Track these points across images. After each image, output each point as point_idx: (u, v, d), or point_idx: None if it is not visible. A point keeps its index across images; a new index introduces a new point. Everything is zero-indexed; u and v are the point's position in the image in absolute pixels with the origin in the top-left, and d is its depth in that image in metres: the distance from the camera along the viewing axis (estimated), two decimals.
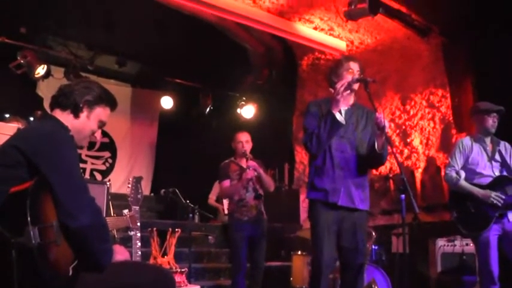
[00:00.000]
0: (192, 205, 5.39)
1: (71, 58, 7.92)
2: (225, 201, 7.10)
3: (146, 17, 7.20)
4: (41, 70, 7.26)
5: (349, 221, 3.39)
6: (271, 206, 5.42)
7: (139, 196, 3.20)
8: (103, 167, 9.21)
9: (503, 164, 4.27)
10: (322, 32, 6.74)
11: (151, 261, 4.17)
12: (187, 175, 8.66)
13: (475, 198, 4.10)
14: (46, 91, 7.88)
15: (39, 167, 1.97)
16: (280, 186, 7.74)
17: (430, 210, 6.12)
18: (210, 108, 8.83)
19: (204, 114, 8.91)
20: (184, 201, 5.32)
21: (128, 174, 8.99)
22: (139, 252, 3.07)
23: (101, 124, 2.42)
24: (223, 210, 7.36)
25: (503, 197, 4.01)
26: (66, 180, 2.00)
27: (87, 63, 8.12)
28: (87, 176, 8.66)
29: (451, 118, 6.28)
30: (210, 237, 6.94)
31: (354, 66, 3.46)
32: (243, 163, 4.98)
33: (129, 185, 3.20)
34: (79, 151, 2.49)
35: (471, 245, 4.80)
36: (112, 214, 4.10)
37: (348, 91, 3.37)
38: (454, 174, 4.23)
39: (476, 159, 4.25)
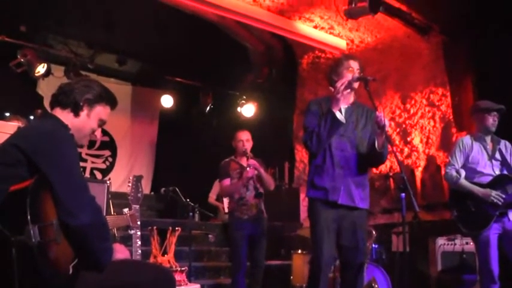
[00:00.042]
0: (192, 204, 5.39)
1: (71, 57, 7.93)
2: (225, 200, 7.10)
3: (146, 15, 7.20)
4: (41, 69, 7.27)
5: (349, 220, 3.39)
6: (271, 204, 5.42)
7: (139, 195, 3.19)
8: (103, 166, 9.22)
9: (504, 162, 4.27)
10: (323, 31, 6.74)
11: (152, 260, 4.17)
12: (188, 174, 8.67)
13: (475, 197, 4.10)
14: (46, 90, 7.89)
15: (39, 165, 1.97)
16: (281, 184, 7.74)
17: (430, 209, 6.12)
18: (210, 106, 8.83)
19: (204, 112, 8.91)
20: (184, 200, 5.32)
21: (128, 172, 9.00)
22: (140, 251, 3.07)
23: (101, 123, 2.42)
24: (224, 208, 7.36)
25: (504, 196, 4.01)
26: (66, 178, 2.00)
27: (88, 61, 8.13)
28: (87, 174, 8.66)
29: (451, 117, 6.28)
30: (210, 235, 6.94)
31: (354, 65, 3.46)
32: (244, 162, 4.98)
33: (129, 184, 3.20)
34: (79, 150, 2.50)
35: (471, 243, 4.80)
36: (112, 213, 4.10)
37: (348, 90, 3.38)
38: (454, 173, 4.23)
39: (477, 158, 4.25)
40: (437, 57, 6.43)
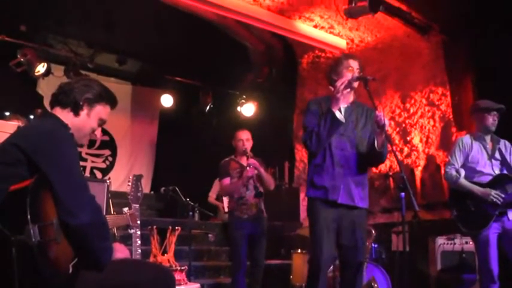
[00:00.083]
0: (192, 203, 5.40)
1: (71, 56, 7.93)
2: (225, 199, 7.11)
3: (146, 15, 7.20)
4: (41, 68, 7.27)
5: (348, 219, 3.39)
6: (271, 204, 5.42)
7: (139, 194, 3.20)
8: (103, 165, 9.22)
9: (503, 162, 4.27)
10: (323, 30, 6.74)
11: (151, 259, 4.17)
12: (187, 173, 8.67)
13: (475, 196, 4.10)
14: (46, 89, 7.89)
15: (39, 165, 1.97)
16: (280, 184, 7.73)
17: (430, 208, 6.12)
18: (210, 106, 8.83)
19: (204, 112, 8.91)
20: (184, 199, 5.32)
21: (128, 172, 9.00)
22: (139, 250, 3.07)
23: (101, 122, 2.42)
24: (223, 208, 7.37)
25: (503, 195, 4.01)
26: (66, 178, 2.00)
27: (87, 61, 8.14)
28: (87, 174, 8.66)
29: (451, 116, 6.28)
30: (210, 235, 6.94)
31: (354, 64, 3.46)
32: (244, 161, 4.99)
33: (129, 183, 3.20)
34: (79, 149, 2.50)
35: (471, 243, 4.81)
36: (112, 212, 4.10)
37: (348, 89, 3.38)
38: (454, 173, 4.23)
39: (476, 158, 4.25)
40: (437, 56, 6.43)
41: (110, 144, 9.29)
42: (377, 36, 6.72)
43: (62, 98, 2.31)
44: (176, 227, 4.37)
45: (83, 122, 2.33)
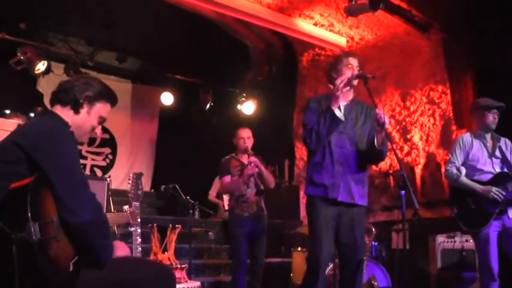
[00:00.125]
0: (192, 201, 5.40)
1: (71, 54, 7.93)
2: (225, 197, 7.11)
3: (146, 13, 7.20)
4: (41, 66, 7.27)
5: (347, 217, 3.39)
6: (271, 202, 5.43)
7: (139, 192, 3.20)
8: (103, 163, 9.22)
9: (504, 160, 4.27)
10: (323, 28, 6.73)
11: (152, 257, 4.17)
12: (188, 171, 8.68)
13: (476, 194, 4.10)
14: (46, 87, 7.89)
15: (40, 162, 1.97)
16: (281, 182, 7.74)
17: (430, 206, 6.13)
18: (210, 104, 8.83)
19: (204, 110, 8.91)
20: (184, 197, 5.33)
21: (128, 170, 8.99)
22: (140, 248, 3.07)
23: (101, 120, 2.42)
24: (224, 206, 7.37)
25: (504, 193, 4.01)
26: (66, 176, 2.00)
27: (87, 59, 8.14)
28: (87, 172, 8.68)
29: (451, 114, 6.28)
30: (210, 233, 6.95)
31: (354, 62, 3.45)
32: (244, 159, 4.99)
33: (130, 181, 3.20)
34: (79, 147, 2.50)
35: (471, 241, 4.81)
36: (112, 210, 4.10)
37: (348, 87, 3.37)
38: (454, 171, 4.23)
39: (477, 156, 4.25)
40: (437, 54, 6.42)
41: (110, 142, 9.30)
42: (377, 34, 6.71)
43: (62, 96, 2.31)
44: (176, 225, 4.38)
45: (83, 120, 2.33)
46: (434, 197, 6.17)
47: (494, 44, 5.66)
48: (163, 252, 4.23)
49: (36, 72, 7.26)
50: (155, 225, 4.32)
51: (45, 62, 7.30)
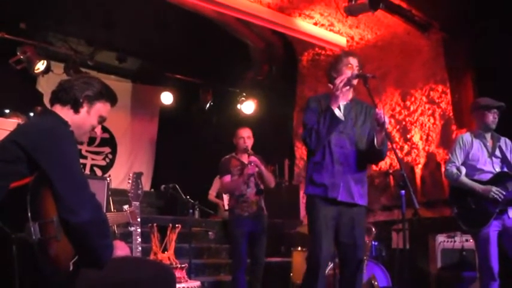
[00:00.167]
0: (192, 201, 5.40)
1: (71, 54, 7.93)
2: (225, 197, 7.11)
3: (146, 13, 7.20)
4: (40, 65, 7.27)
5: (347, 216, 3.39)
6: (271, 202, 5.42)
7: (139, 192, 3.20)
8: (103, 163, 9.22)
9: (504, 160, 4.27)
10: (323, 28, 6.73)
11: (152, 256, 4.17)
12: (188, 171, 8.68)
13: (476, 193, 4.10)
14: (46, 86, 7.89)
15: (39, 162, 1.97)
16: (281, 182, 7.74)
17: (430, 206, 6.12)
18: (210, 104, 8.84)
19: (204, 110, 8.91)
20: (184, 197, 5.33)
21: (128, 169, 9.00)
22: (140, 248, 3.07)
23: (101, 119, 2.41)
24: (224, 205, 7.37)
25: (504, 192, 4.01)
26: (66, 175, 2.00)
27: (87, 58, 8.14)
28: (87, 171, 8.68)
29: (451, 114, 6.28)
30: (210, 233, 6.96)
31: (353, 62, 3.45)
32: (244, 159, 4.99)
33: (129, 181, 3.20)
34: (79, 146, 2.50)
35: (471, 240, 4.81)
36: (112, 210, 4.10)
37: (347, 87, 3.36)
38: (454, 170, 4.23)
39: (477, 155, 4.25)
40: (437, 54, 6.42)
41: (110, 141, 9.30)
42: (377, 34, 6.71)
43: (62, 95, 2.31)
44: (176, 225, 4.38)
45: (83, 119, 2.33)
46: (434, 197, 6.17)
47: (494, 44, 5.66)
48: (163, 251, 4.23)
49: (36, 71, 7.27)
50: (155, 224, 4.32)
51: (45, 62, 7.30)
